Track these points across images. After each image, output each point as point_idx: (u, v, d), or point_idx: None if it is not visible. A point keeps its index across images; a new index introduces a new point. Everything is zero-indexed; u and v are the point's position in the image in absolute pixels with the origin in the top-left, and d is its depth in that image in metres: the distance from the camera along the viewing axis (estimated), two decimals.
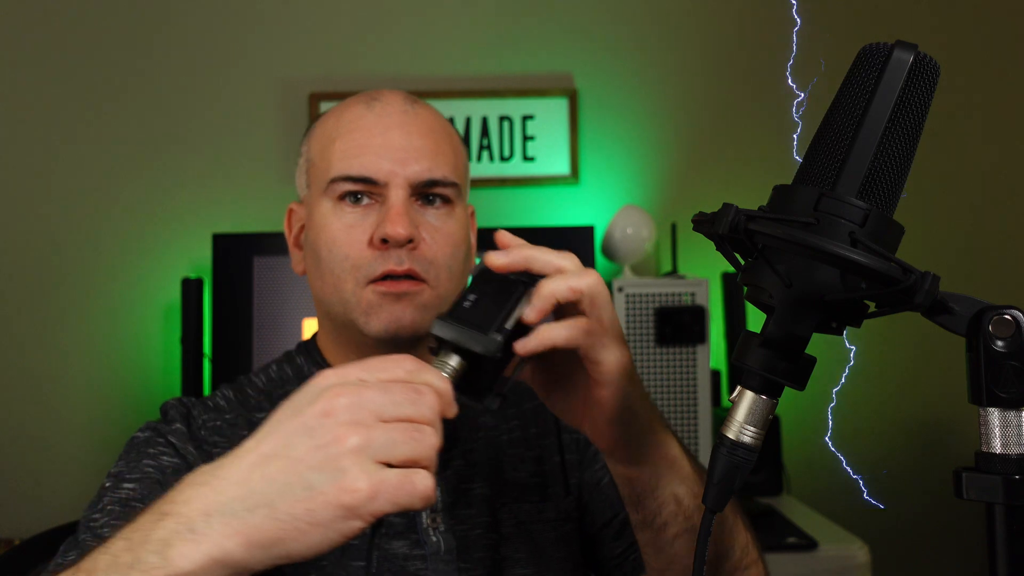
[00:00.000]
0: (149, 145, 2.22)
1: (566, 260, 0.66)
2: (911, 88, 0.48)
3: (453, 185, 0.87)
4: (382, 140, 0.85)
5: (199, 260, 2.16)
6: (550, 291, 0.64)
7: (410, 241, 0.83)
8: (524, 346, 0.63)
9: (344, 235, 0.85)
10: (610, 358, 0.67)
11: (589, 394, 0.69)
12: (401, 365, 0.56)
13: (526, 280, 0.66)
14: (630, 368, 0.70)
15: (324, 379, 0.55)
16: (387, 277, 0.83)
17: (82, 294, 2.20)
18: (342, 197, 0.85)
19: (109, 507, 0.77)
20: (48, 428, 2.17)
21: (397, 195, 0.84)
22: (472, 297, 0.64)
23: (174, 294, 2.13)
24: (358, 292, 0.84)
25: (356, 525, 0.51)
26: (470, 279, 0.67)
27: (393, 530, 0.83)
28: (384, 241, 0.83)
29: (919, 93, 0.49)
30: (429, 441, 0.53)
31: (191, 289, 2.04)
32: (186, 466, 0.81)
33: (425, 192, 0.86)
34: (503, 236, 0.68)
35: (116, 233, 2.21)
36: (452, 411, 0.57)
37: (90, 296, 2.20)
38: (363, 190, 0.85)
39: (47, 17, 2.23)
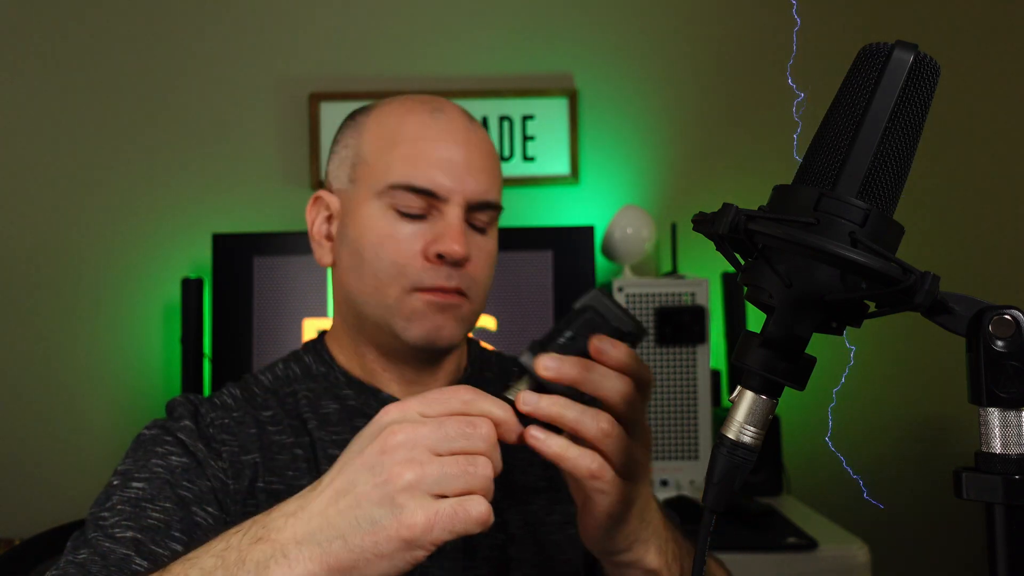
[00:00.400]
0: (149, 145, 2.22)
1: (614, 386, 0.64)
2: (911, 88, 0.48)
3: (498, 209, 0.89)
4: (448, 155, 0.85)
5: (199, 260, 2.17)
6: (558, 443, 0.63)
7: (467, 260, 0.84)
8: (533, 439, 0.62)
9: (395, 242, 0.84)
10: (604, 502, 0.65)
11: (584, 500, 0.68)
12: (458, 396, 0.59)
13: (632, 332, 0.67)
14: (625, 512, 0.68)
15: (386, 415, 0.58)
16: (436, 290, 0.84)
17: (82, 294, 2.20)
18: (398, 210, 0.84)
19: (119, 507, 0.77)
20: (48, 428, 2.17)
21: (456, 213, 0.84)
22: (568, 335, 0.66)
23: (174, 294, 2.13)
24: (403, 298, 0.84)
25: (418, 554, 0.55)
26: (576, 309, 0.67)
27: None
28: (439, 256, 0.83)
29: (919, 93, 0.49)
30: (482, 472, 0.57)
31: (191, 289, 2.05)
32: (195, 464, 0.81)
33: (475, 216, 0.87)
34: (604, 346, 0.65)
35: (116, 233, 2.21)
36: (512, 436, 0.60)
37: (90, 296, 2.20)
38: (422, 204, 0.84)
39: (47, 17, 2.23)
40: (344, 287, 0.89)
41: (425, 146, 0.85)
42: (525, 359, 0.64)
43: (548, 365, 0.63)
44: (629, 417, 0.64)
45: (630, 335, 0.67)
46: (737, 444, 0.52)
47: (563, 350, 0.65)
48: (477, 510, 0.55)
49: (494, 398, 0.60)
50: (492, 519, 0.57)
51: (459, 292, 0.84)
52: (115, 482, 0.80)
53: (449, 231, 0.83)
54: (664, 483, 1.93)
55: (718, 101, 2.29)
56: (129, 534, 0.75)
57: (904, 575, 2.19)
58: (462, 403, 0.59)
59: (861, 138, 0.48)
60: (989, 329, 0.46)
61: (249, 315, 2.00)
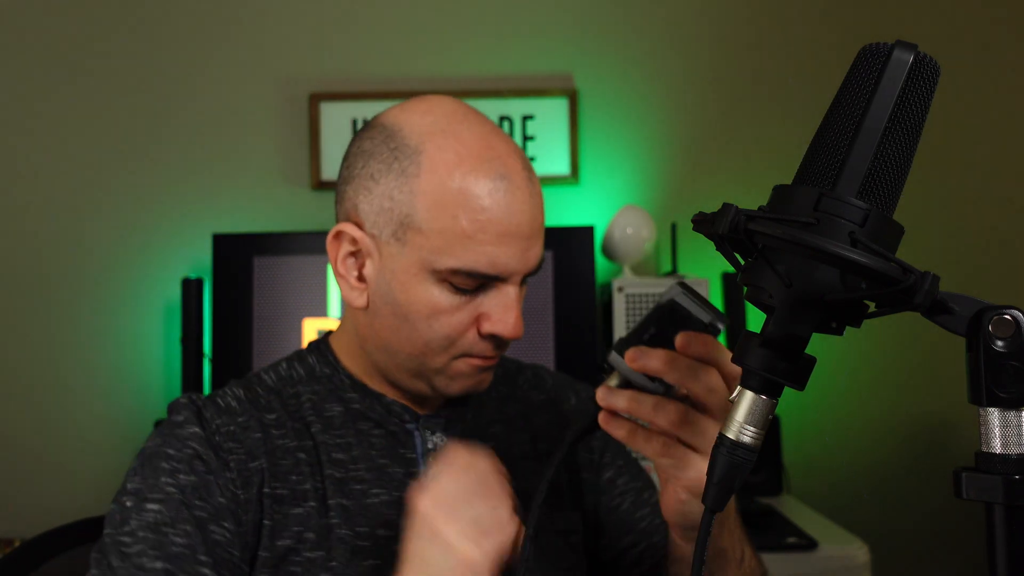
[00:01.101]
0: (149, 145, 2.22)
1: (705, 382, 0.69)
2: (911, 88, 0.48)
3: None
4: (513, 231, 0.78)
5: (199, 260, 2.17)
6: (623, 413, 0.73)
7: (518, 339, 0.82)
8: (604, 423, 0.74)
9: (448, 316, 0.80)
10: (681, 476, 0.71)
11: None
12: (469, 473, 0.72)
13: (712, 323, 0.72)
14: (701, 487, 0.70)
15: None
16: (483, 357, 0.83)
17: (82, 294, 2.20)
18: (455, 286, 0.79)
19: (140, 532, 0.76)
20: (48, 428, 2.17)
21: (514, 292, 0.81)
22: (652, 331, 0.72)
23: (174, 294, 2.13)
24: (445, 359, 0.82)
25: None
26: (658, 305, 0.73)
27: (402, 534, 0.83)
28: (493, 336, 0.81)
29: (919, 93, 0.49)
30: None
31: (191, 289, 2.05)
32: (204, 483, 0.79)
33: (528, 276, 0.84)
34: (687, 339, 0.70)
35: (116, 233, 2.21)
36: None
37: (90, 296, 2.20)
38: (482, 279, 0.79)
39: (48, 17, 2.23)
40: (378, 334, 0.84)
41: (490, 228, 0.77)
42: (613, 358, 0.71)
43: (632, 356, 0.70)
44: (711, 402, 0.69)
45: (711, 326, 0.72)
46: (737, 444, 0.52)
47: (648, 345, 0.70)
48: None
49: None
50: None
51: (496, 358, 0.85)
52: (128, 503, 0.78)
53: (506, 314, 0.80)
54: None
55: (718, 101, 2.29)
56: (159, 564, 0.74)
57: (904, 575, 2.19)
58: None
59: (861, 138, 0.48)
60: (989, 329, 0.46)
61: (249, 315, 2.00)
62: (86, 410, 2.18)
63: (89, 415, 2.17)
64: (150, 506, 0.77)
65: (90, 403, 2.18)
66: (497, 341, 0.82)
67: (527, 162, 0.82)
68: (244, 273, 2.00)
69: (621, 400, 0.71)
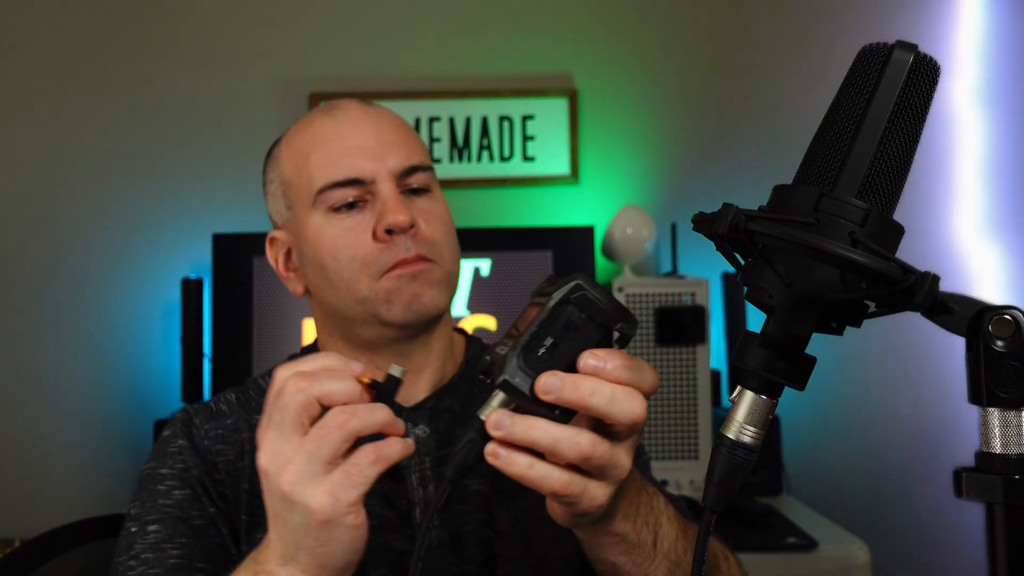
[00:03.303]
0: (149, 145, 2.22)
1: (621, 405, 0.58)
2: (911, 88, 0.48)
3: (429, 169, 0.91)
4: (357, 141, 0.88)
5: (199, 260, 2.17)
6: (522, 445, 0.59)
7: (412, 226, 0.85)
8: (493, 458, 0.59)
9: (345, 239, 0.86)
10: (584, 504, 0.62)
11: None
12: (288, 391, 0.62)
13: (623, 330, 0.58)
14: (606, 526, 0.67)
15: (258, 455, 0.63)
16: (399, 264, 0.85)
17: (82, 294, 2.20)
18: (334, 208, 0.87)
19: (143, 555, 0.80)
20: (48, 428, 2.17)
21: (387, 187, 0.86)
22: (549, 343, 0.57)
23: (174, 294, 2.13)
24: (374, 286, 0.85)
25: (348, 521, 0.60)
26: (554, 304, 0.58)
27: (389, 524, 0.84)
28: (388, 232, 0.85)
29: (919, 93, 0.49)
30: (332, 423, 0.60)
31: (191, 289, 2.05)
32: (195, 494, 0.84)
33: (407, 182, 0.88)
34: (595, 363, 0.58)
35: (116, 233, 2.21)
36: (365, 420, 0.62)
37: (90, 296, 2.20)
38: (353, 193, 0.87)
39: (49, 18, 2.23)
40: (322, 304, 0.91)
41: (333, 143, 0.88)
42: (512, 381, 0.57)
43: (546, 388, 0.56)
44: (630, 430, 0.60)
45: (622, 337, 0.59)
46: (737, 444, 0.52)
47: (547, 363, 0.57)
48: (366, 459, 0.60)
49: (313, 376, 0.63)
50: (398, 450, 0.61)
51: (422, 258, 0.86)
52: (133, 528, 0.83)
53: (387, 205, 0.85)
54: (664, 483, 1.93)
55: (718, 101, 2.29)
56: (149, 570, 0.79)
57: (904, 575, 2.19)
58: (299, 393, 0.62)
59: (861, 138, 0.48)
60: (989, 329, 0.46)
61: (249, 315, 2.00)
62: (86, 410, 2.18)
63: (89, 415, 2.17)
64: (151, 528, 0.82)
65: (90, 403, 2.18)
66: (403, 244, 0.85)
67: (369, 103, 0.93)
68: (244, 273, 2.01)
69: (521, 429, 0.57)
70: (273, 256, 0.96)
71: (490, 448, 0.58)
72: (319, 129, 0.90)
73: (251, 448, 0.86)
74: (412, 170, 0.88)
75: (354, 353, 0.91)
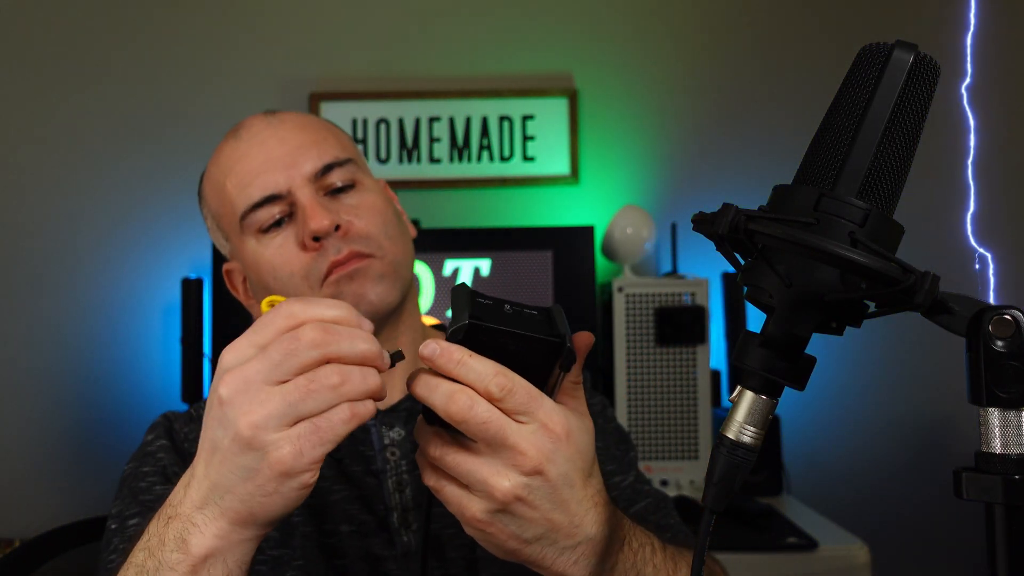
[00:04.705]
0: (149, 144, 2.22)
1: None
2: (911, 88, 0.48)
3: (348, 162, 0.88)
4: (264, 156, 0.86)
5: (199, 260, 2.17)
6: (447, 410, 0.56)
7: (337, 228, 0.84)
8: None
9: (279, 256, 0.86)
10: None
11: None
12: (282, 312, 0.56)
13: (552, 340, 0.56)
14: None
15: (222, 362, 0.57)
16: (333, 268, 0.84)
17: (82, 293, 2.20)
18: (263, 230, 0.86)
19: (122, 546, 0.79)
20: (49, 428, 2.17)
21: (304, 194, 0.85)
22: (509, 308, 0.58)
23: (174, 294, 2.13)
24: (316, 295, 0.84)
25: (305, 479, 0.55)
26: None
27: (366, 528, 0.83)
28: (315, 239, 0.84)
29: (919, 93, 0.49)
30: (329, 382, 0.54)
31: (191, 289, 2.05)
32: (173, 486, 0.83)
33: (327, 181, 0.87)
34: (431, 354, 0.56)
35: (116, 233, 2.21)
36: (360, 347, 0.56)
37: (90, 295, 2.20)
38: (277, 210, 0.86)
39: (49, 17, 2.23)
40: None
41: (243, 164, 0.87)
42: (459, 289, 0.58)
43: (429, 354, 0.56)
44: (465, 430, 0.57)
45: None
46: (737, 444, 0.52)
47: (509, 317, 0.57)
48: (340, 416, 0.54)
49: (325, 301, 0.57)
50: (370, 410, 0.55)
51: (357, 255, 0.84)
52: (113, 526, 0.82)
53: (305, 213, 0.84)
54: (664, 483, 1.93)
55: (718, 101, 2.29)
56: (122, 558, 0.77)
57: (904, 575, 2.19)
58: (287, 318, 0.56)
59: (861, 138, 0.48)
60: (989, 329, 0.46)
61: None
62: (86, 410, 2.18)
63: (89, 415, 2.17)
64: (130, 522, 0.81)
65: (90, 403, 2.18)
66: (333, 247, 0.84)
67: (274, 112, 0.92)
68: None
69: (447, 361, 0.57)
70: (232, 287, 0.97)
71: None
72: (229, 153, 0.89)
73: None
74: (328, 168, 0.87)
75: None
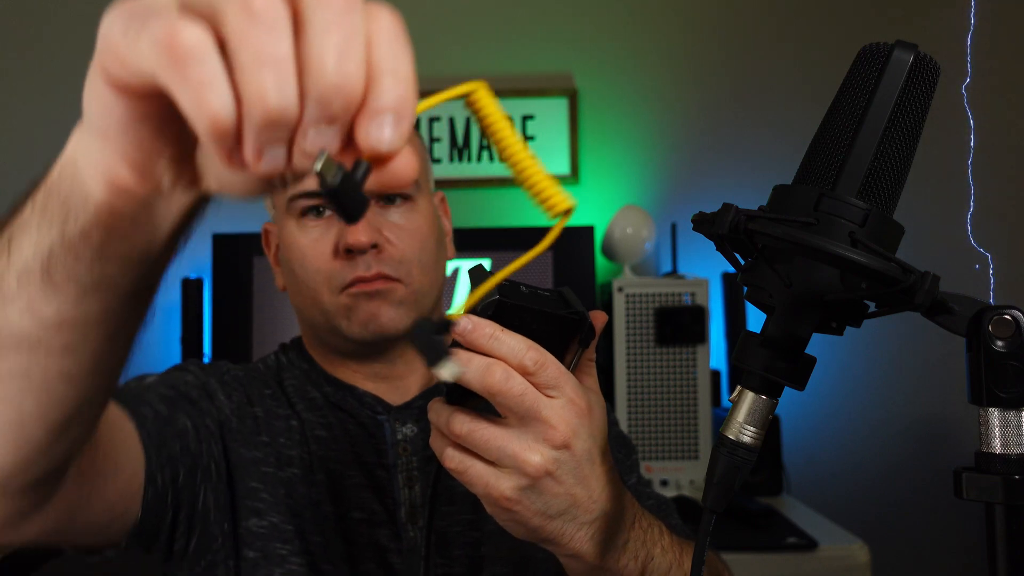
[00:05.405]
0: None
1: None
2: (911, 88, 0.48)
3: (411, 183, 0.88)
4: None
5: (199, 260, 2.17)
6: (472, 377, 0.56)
7: (374, 246, 0.84)
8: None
9: (311, 249, 0.87)
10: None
11: None
12: None
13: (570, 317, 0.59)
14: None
15: None
16: (357, 282, 0.85)
17: None
18: (303, 213, 0.87)
19: (149, 379, 0.83)
20: None
21: None
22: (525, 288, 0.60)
23: (174, 294, 2.13)
24: (334, 299, 0.86)
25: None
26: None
27: (377, 518, 0.84)
28: (348, 251, 0.84)
29: (919, 93, 0.49)
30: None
31: (191, 289, 2.04)
32: (204, 397, 0.86)
33: (382, 194, 0.87)
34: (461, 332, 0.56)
35: None
36: None
37: None
38: (321, 203, 0.86)
39: (50, 19, 2.23)
40: (293, 303, 0.93)
41: None
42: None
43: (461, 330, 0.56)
44: (499, 406, 0.57)
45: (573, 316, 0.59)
46: (737, 444, 0.52)
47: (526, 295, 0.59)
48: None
49: None
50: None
51: (384, 277, 0.85)
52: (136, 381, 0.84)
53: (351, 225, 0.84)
54: (664, 483, 1.93)
55: (718, 101, 2.29)
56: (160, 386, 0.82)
57: (904, 575, 2.19)
58: None
59: (861, 138, 0.48)
60: (989, 329, 0.46)
61: (249, 315, 2.00)
62: None
63: None
64: (150, 379, 0.85)
65: None
66: (364, 262, 0.84)
67: None
68: (244, 273, 2.00)
69: (480, 335, 0.57)
70: (265, 245, 0.99)
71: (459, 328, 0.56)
72: None
73: (263, 407, 0.89)
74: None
75: (325, 350, 0.93)
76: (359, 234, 0.83)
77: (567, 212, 0.43)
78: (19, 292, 0.42)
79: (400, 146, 0.35)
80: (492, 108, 0.41)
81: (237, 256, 2.01)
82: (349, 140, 0.35)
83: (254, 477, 0.84)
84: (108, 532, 0.70)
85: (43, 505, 0.55)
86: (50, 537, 0.60)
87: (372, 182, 0.36)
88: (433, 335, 0.50)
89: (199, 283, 2.06)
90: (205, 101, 0.31)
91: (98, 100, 0.38)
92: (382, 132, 0.34)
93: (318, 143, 0.34)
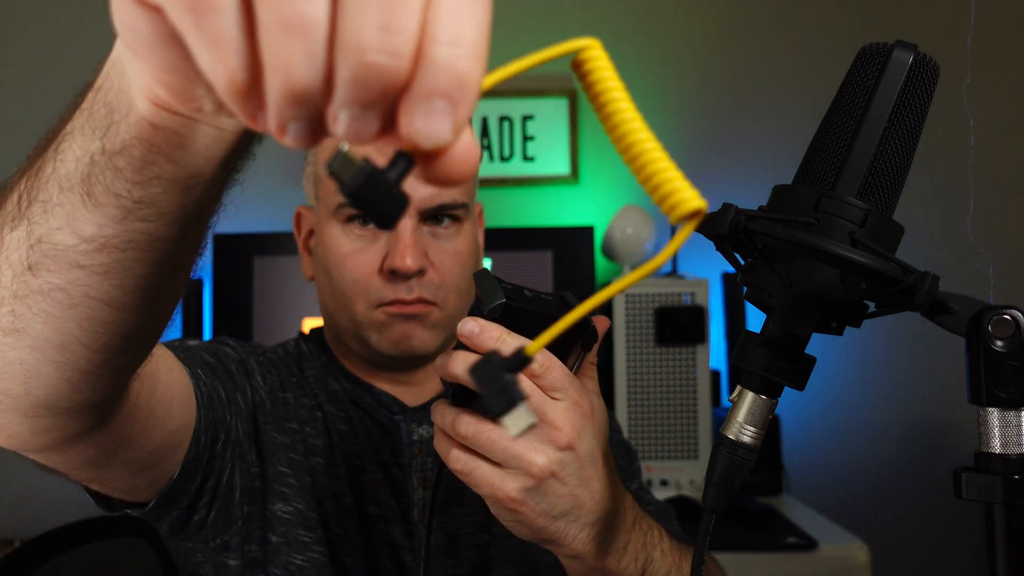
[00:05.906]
0: None
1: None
2: (911, 88, 0.48)
3: (463, 206, 0.87)
4: None
5: (199, 260, 2.16)
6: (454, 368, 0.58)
7: (420, 271, 0.84)
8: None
9: (353, 259, 0.85)
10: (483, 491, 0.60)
11: None
12: None
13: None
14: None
15: None
16: (396, 303, 0.84)
17: None
18: (349, 219, 0.86)
19: (191, 341, 0.83)
20: None
21: (405, 224, 0.83)
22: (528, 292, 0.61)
23: None
24: (368, 313, 0.85)
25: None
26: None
27: (392, 515, 0.85)
28: (393, 272, 0.83)
29: (919, 93, 0.49)
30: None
31: (191, 289, 2.04)
32: (241, 373, 0.85)
33: (434, 215, 0.86)
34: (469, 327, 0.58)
35: None
36: None
37: None
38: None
39: (50, 19, 2.23)
40: (323, 301, 0.91)
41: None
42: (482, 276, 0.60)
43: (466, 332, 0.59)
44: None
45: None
46: (737, 444, 0.52)
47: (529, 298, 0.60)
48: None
49: None
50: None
51: (423, 301, 0.84)
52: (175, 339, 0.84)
53: (399, 245, 0.82)
54: (664, 483, 1.93)
55: (718, 101, 2.29)
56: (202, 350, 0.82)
57: (904, 575, 2.19)
58: None
59: (861, 138, 0.48)
60: (989, 329, 0.46)
61: (249, 315, 2.00)
62: None
63: None
64: (191, 342, 0.84)
65: None
66: (407, 285, 0.83)
67: None
68: (244, 273, 2.00)
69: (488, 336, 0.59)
70: (297, 230, 0.96)
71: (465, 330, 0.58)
72: None
73: (294, 394, 0.89)
74: (441, 208, 0.85)
75: (345, 351, 0.92)
76: (407, 259, 0.82)
77: (694, 215, 0.32)
78: (60, 203, 0.40)
79: (448, 140, 0.27)
80: (607, 73, 0.32)
81: (237, 256, 2.01)
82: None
83: (283, 462, 0.84)
84: (143, 481, 0.68)
85: (92, 433, 0.55)
86: (91, 471, 0.61)
87: (418, 178, 0.28)
88: (503, 374, 0.35)
89: (199, 283, 2.06)
90: (219, 58, 0.27)
91: (121, 9, 0.30)
92: (429, 123, 0.27)
93: (353, 129, 0.27)
